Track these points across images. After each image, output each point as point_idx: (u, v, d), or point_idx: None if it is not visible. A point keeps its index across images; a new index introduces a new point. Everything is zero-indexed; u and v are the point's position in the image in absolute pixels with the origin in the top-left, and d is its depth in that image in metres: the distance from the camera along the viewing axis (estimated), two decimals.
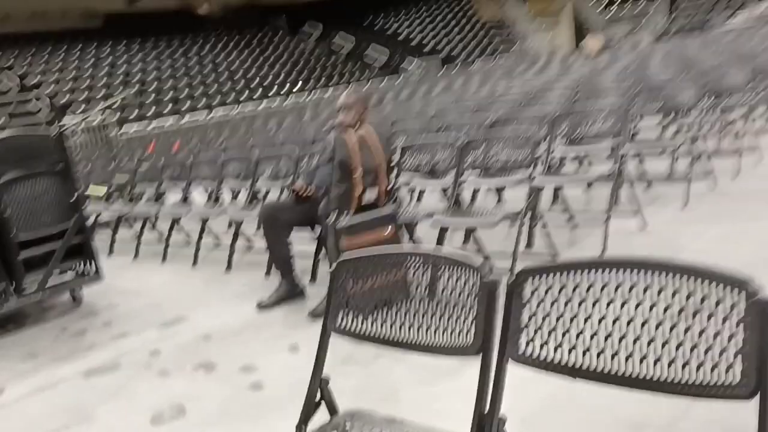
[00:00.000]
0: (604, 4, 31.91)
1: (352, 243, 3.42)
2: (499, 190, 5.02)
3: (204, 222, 5.37)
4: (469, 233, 4.39)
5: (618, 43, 25.51)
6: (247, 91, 23.72)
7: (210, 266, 5.17)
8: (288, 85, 24.64)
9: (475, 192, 4.93)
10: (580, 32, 29.85)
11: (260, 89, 24.02)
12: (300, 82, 25.05)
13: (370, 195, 3.61)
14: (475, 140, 4.15)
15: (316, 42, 30.12)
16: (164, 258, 5.63)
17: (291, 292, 3.96)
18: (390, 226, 3.53)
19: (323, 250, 4.05)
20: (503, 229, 3.89)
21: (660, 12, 29.14)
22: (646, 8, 29.81)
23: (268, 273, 4.58)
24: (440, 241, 3.64)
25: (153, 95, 21.51)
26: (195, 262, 5.29)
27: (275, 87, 24.36)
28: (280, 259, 3.99)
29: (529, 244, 4.13)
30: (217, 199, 5.84)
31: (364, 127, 3.82)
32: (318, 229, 4.01)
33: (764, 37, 12.06)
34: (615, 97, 5.72)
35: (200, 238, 5.34)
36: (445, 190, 5.26)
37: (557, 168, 4.83)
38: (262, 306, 3.92)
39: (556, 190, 4.87)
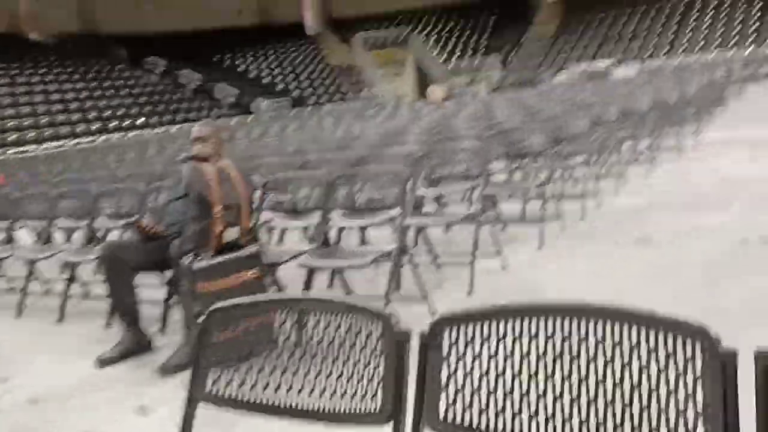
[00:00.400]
0: (444, 57, 33.81)
1: (210, 287, 3.10)
2: (363, 230, 4.89)
3: (31, 265, 4.72)
4: (333, 275, 4.20)
5: (459, 93, 26.97)
6: (83, 124, 22.17)
7: (38, 316, 4.52)
8: (129, 118, 23.34)
9: (340, 231, 4.76)
10: (423, 81, 31.29)
11: (98, 122, 22.55)
12: (143, 116, 23.84)
13: (232, 233, 3.31)
14: (341, 177, 3.99)
15: (160, 76, 28.98)
16: None
17: (136, 345, 3.51)
18: (253, 268, 3.25)
19: (175, 296, 3.66)
20: (367, 270, 3.75)
21: (495, 67, 31.38)
22: (483, 62, 32.00)
23: (109, 323, 4.06)
24: (308, 283, 3.41)
25: None
26: (20, 312, 4.61)
27: (115, 120, 22.98)
28: (123, 306, 3.54)
29: (396, 286, 4.01)
30: (48, 239, 5.18)
31: (223, 160, 3.54)
32: (169, 271, 3.62)
33: (593, 90, 13.20)
34: (470, 141, 5.84)
35: (26, 283, 4.68)
36: (306, 229, 5.06)
37: (420, 208, 4.80)
38: (102, 361, 3.43)
39: (419, 230, 4.83)
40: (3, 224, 5.45)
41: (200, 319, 1.37)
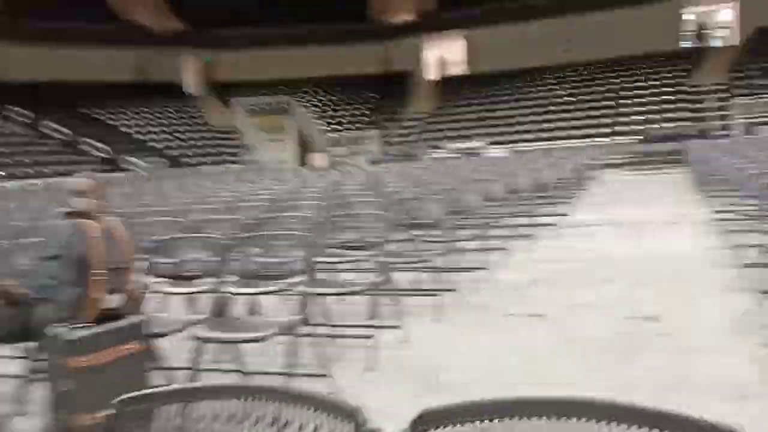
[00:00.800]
0: (325, 127, 34.35)
1: (84, 362, 2.70)
2: (255, 299, 4.58)
3: None
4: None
5: (340, 163, 27.32)
6: None
7: None
8: None
9: (232, 300, 4.42)
10: (304, 149, 31.47)
11: None
12: (0, 168, 22.05)
13: (113, 300, 2.92)
14: (236, 241, 3.72)
15: (24, 126, 27.13)
16: None
17: None
18: (135, 340, 2.87)
19: (38, 371, 3.17)
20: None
21: (374, 140, 32.20)
22: (363, 135, 32.78)
23: None
24: (198, 358, 3.06)
25: None
26: None
27: None
28: None
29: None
30: None
31: (107, 217, 3.17)
32: (32, 342, 3.14)
33: (477, 166, 13.72)
34: (369, 209, 5.75)
35: None
36: (191, 296, 4.67)
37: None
38: None
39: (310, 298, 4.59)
40: None
41: (109, 412, 1.08)
